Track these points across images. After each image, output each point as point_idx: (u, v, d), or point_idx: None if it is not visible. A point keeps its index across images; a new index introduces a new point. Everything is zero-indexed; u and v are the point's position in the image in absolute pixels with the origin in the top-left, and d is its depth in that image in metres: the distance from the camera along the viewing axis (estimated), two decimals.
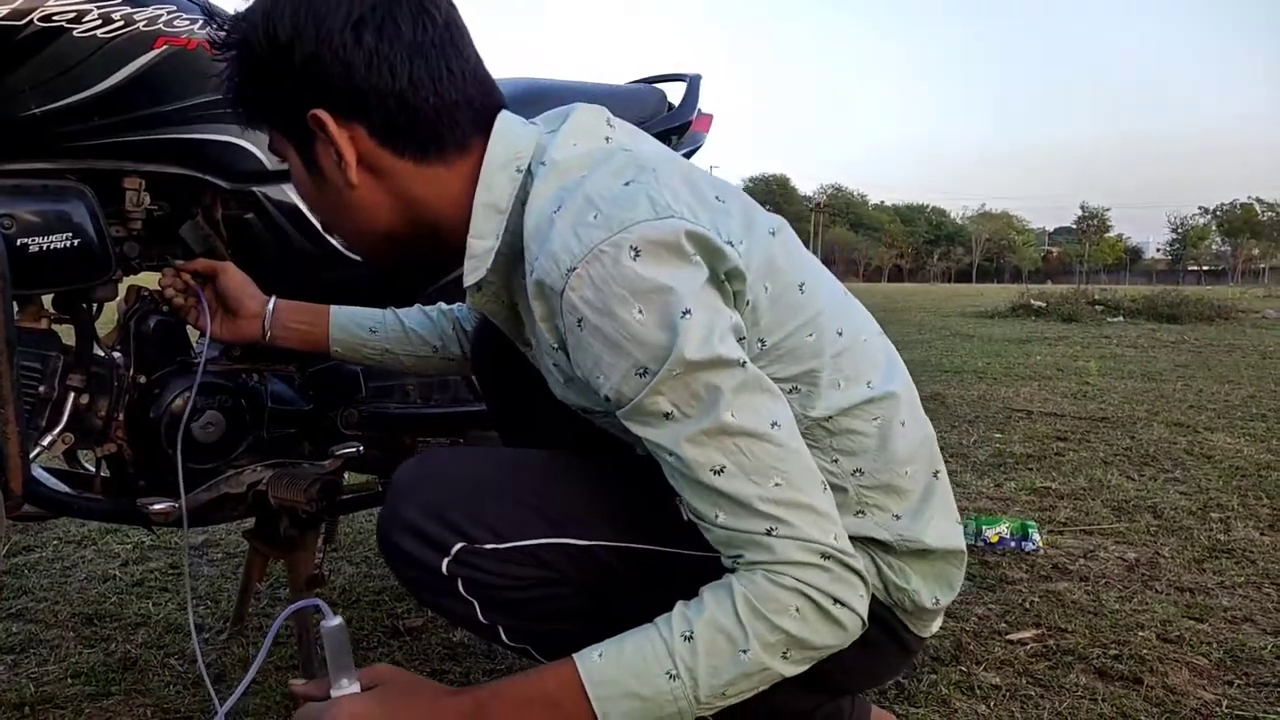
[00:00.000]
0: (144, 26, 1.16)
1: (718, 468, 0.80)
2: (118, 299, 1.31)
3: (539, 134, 0.93)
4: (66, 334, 1.26)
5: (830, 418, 0.93)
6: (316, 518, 1.42)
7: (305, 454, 1.46)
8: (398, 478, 0.96)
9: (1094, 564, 2.14)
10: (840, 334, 0.95)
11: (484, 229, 0.90)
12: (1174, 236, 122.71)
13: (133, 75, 1.16)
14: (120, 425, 1.28)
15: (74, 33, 1.11)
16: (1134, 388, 5.11)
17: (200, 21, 1.19)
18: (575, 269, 0.79)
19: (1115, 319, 11.35)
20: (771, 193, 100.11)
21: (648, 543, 0.96)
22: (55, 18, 1.09)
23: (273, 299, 1.28)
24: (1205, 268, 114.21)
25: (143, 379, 1.29)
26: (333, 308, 1.30)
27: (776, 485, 0.81)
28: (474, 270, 0.92)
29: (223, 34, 0.91)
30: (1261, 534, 2.36)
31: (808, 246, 1.02)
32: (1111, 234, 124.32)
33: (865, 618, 0.85)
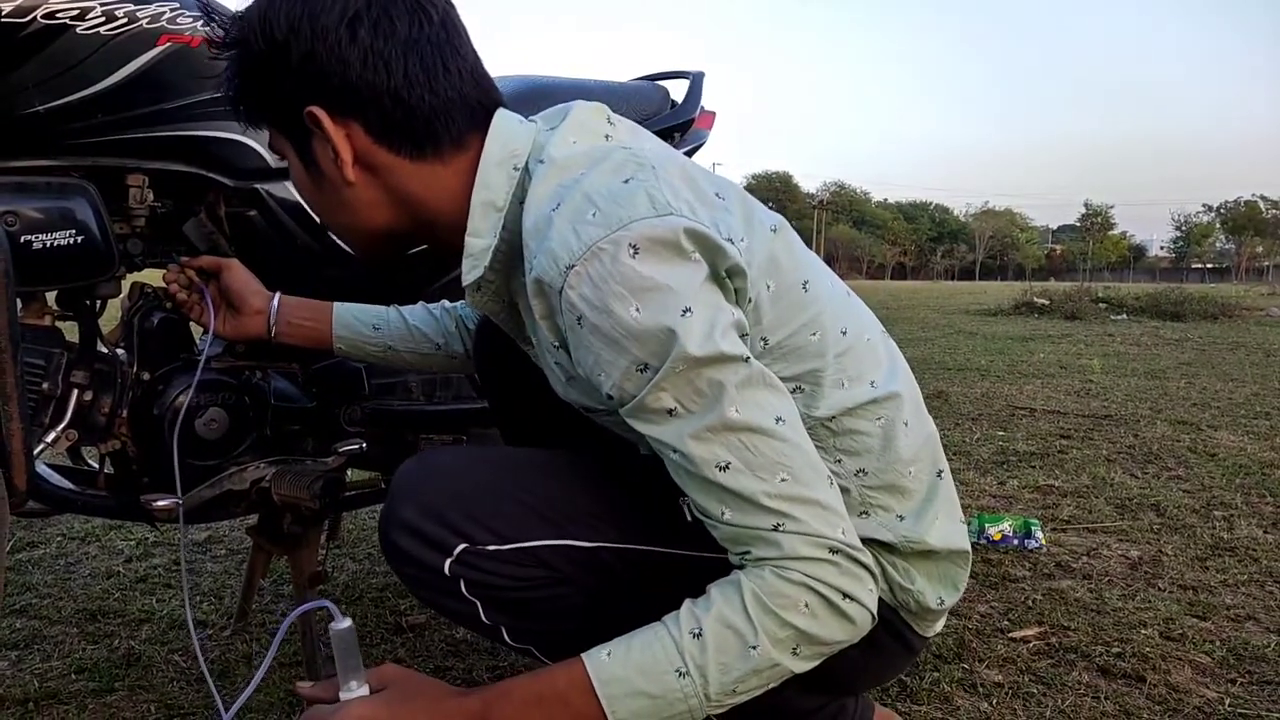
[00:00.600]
0: (147, 24, 1.16)
1: (723, 464, 0.80)
2: (121, 296, 1.31)
3: (536, 132, 0.93)
4: (70, 331, 1.26)
5: (834, 417, 0.93)
6: (320, 515, 1.42)
7: (308, 451, 1.46)
8: (399, 477, 0.96)
9: (1097, 562, 2.14)
10: (844, 333, 0.95)
11: (481, 227, 0.90)
12: (1178, 234, 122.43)
13: (136, 73, 1.16)
14: (124, 422, 1.28)
15: (77, 30, 1.11)
16: (1137, 386, 5.10)
17: (203, 19, 1.19)
18: (574, 266, 0.79)
19: (1119, 317, 11.33)
20: (774, 190, 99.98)
21: (650, 544, 0.96)
22: (59, 15, 1.09)
23: (277, 295, 1.28)
24: (1209, 265, 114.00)
25: (146, 376, 1.30)
26: (336, 305, 1.30)
27: (782, 480, 0.81)
28: (472, 269, 0.92)
29: (222, 34, 0.92)
30: (1265, 532, 2.36)
31: (810, 244, 1.02)
32: (1115, 232, 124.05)
33: (875, 612, 0.85)
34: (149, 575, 2.00)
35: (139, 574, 2.00)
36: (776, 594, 0.80)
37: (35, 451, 1.17)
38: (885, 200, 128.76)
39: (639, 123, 1.01)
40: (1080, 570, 2.08)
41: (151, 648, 1.63)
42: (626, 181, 0.82)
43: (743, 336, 0.84)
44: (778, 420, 0.82)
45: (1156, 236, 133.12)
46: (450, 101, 0.89)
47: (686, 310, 0.78)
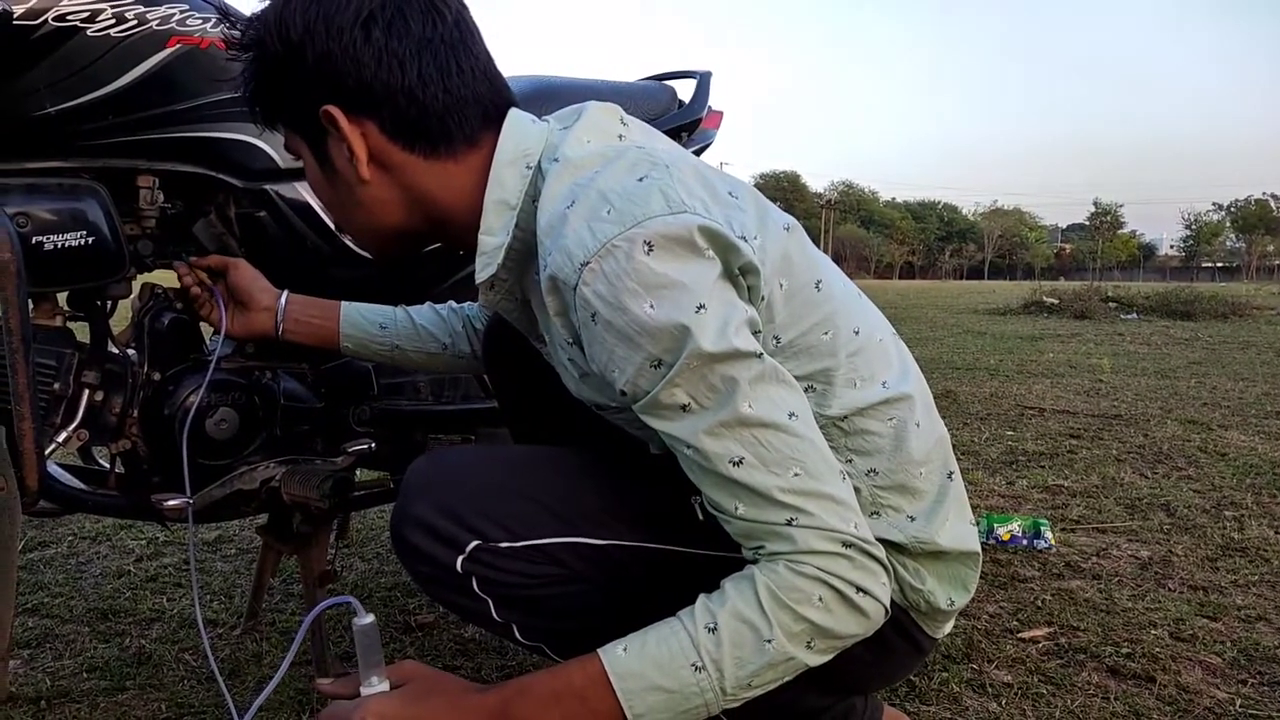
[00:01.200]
0: (157, 25, 1.17)
1: (736, 459, 0.81)
2: (132, 296, 1.32)
3: (548, 131, 0.93)
4: (81, 331, 1.27)
5: (845, 417, 0.93)
6: (329, 514, 1.42)
7: (318, 451, 1.46)
8: (410, 475, 0.96)
9: (1106, 562, 2.13)
10: (856, 333, 0.95)
11: (494, 225, 0.91)
12: (1188, 233, 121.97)
13: (146, 74, 1.17)
14: (134, 422, 1.29)
15: (88, 32, 1.12)
16: (1147, 385, 5.08)
17: (213, 20, 1.20)
18: (588, 263, 0.79)
19: (1128, 316, 11.29)
20: (782, 189, 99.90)
21: (661, 541, 0.97)
22: (69, 17, 1.10)
23: (284, 294, 1.29)
24: (1219, 264, 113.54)
25: (157, 376, 1.30)
26: (343, 304, 1.30)
27: (795, 475, 0.81)
28: (485, 266, 0.92)
29: (238, 36, 0.93)
30: (1276, 532, 2.35)
31: (818, 243, 1.02)
32: (1125, 230, 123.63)
33: (888, 605, 0.85)
34: (159, 574, 2.00)
35: (149, 573, 2.01)
36: (790, 588, 0.80)
37: (46, 451, 1.17)
38: (893, 199, 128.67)
39: (647, 122, 1.02)
40: (1090, 570, 2.07)
41: (162, 647, 1.64)
42: (641, 180, 0.83)
43: (755, 334, 0.84)
44: (791, 415, 0.82)
45: (1166, 235, 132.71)
46: (464, 100, 0.90)
47: (700, 307, 0.79)
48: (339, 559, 2.10)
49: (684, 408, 0.81)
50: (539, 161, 0.91)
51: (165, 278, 1.33)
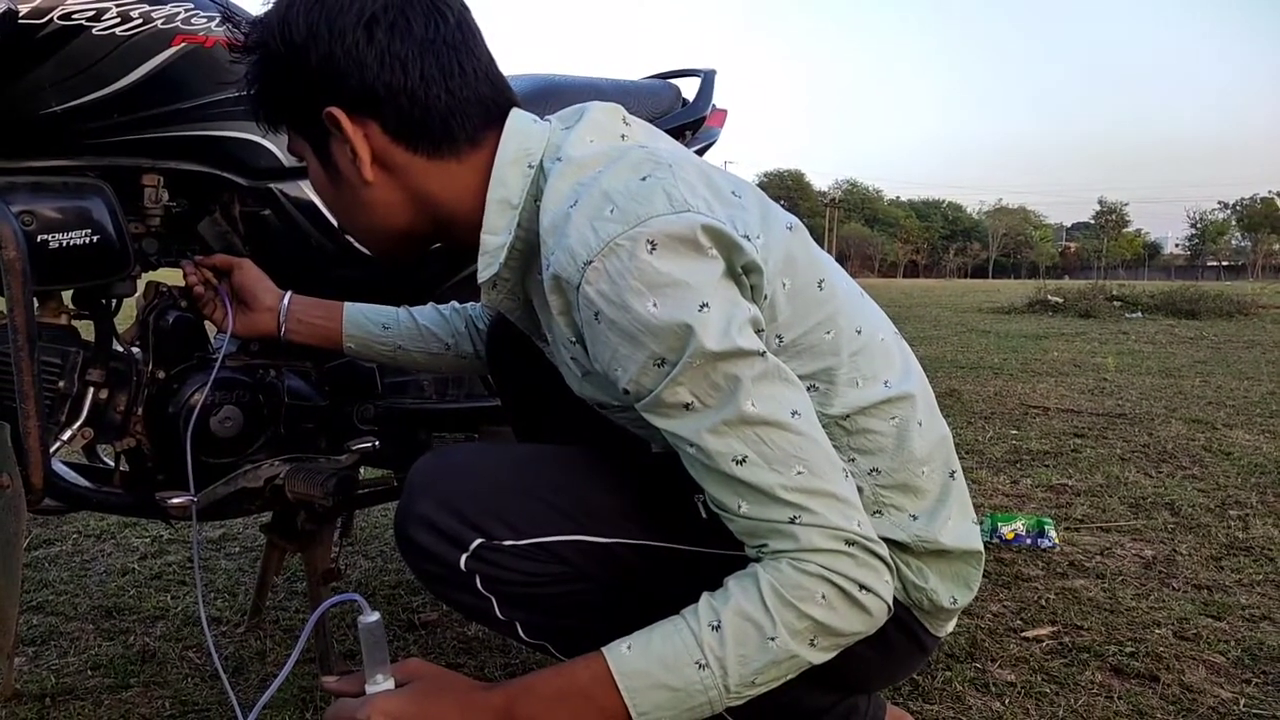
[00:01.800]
0: (162, 24, 1.17)
1: (739, 457, 0.81)
2: (136, 295, 1.32)
3: (550, 131, 0.94)
4: (86, 330, 1.27)
5: (848, 416, 0.93)
6: (333, 512, 1.43)
7: (322, 449, 1.46)
8: (414, 473, 0.97)
9: (1110, 561, 2.13)
10: (859, 332, 0.96)
11: (497, 224, 0.91)
12: (1193, 232, 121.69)
13: (151, 73, 1.17)
14: (139, 420, 1.29)
15: (93, 31, 1.12)
16: (1152, 384, 5.08)
17: (218, 19, 1.20)
18: (591, 262, 0.80)
19: (1133, 315, 11.26)
20: (787, 188, 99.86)
21: (664, 540, 0.97)
22: (75, 16, 1.10)
23: (288, 294, 1.29)
24: (1224, 263, 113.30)
25: (161, 374, 1.30)
26: (346, 304, 1.31)
27: (799, 473, 0.81)
28: (488, 266, 0.92)
29: (242, 38, 0.93)
30: None
31: (822, 242, 1.03)
32: (1130, 229, 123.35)
33: (891, 603, 0.85)
34: (164, 572, 2.01)
35: (154, 571, 2.01)
36: (794, 586, 0.80)
37: (51, 449, 1.18)
38: (898, 198, 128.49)
39: (650, 121, 1.02)
40: (1094, 569, 2.07)
41: (166, 644, 1.64)
42: (644, 179, 0.83)
43: (758, 333, 0.85)
44: (793, 414, 0.82)
45: (1171, 234, 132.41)
46: (466, 101, 0.91)
47: (703, 305, 0.79)
48: (343, 557, 2.11)
49: (687, 406, 0.82)
50: (541, 161, 0.91)
51: (170, 276, 1.33)
